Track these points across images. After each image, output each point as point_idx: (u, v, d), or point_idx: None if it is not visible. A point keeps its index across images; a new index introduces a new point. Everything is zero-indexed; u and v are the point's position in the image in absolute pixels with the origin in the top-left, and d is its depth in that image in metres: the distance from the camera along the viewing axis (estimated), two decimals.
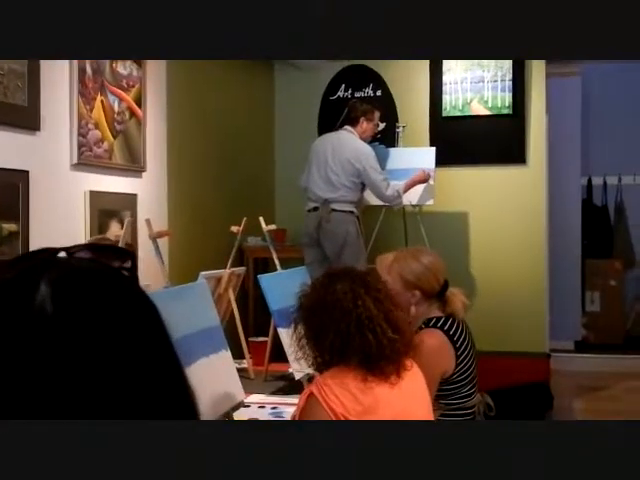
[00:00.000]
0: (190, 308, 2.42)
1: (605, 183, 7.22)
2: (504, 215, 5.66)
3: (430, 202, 5.21)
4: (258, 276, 3.04)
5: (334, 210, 4.73)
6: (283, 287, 3.10)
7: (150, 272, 3.96)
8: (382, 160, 5.25)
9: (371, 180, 4.75)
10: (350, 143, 4.82)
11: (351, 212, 4.78)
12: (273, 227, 3.37)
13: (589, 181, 7.22)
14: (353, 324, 1.97)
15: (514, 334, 5.52)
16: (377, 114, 5.00)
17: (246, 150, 5.61)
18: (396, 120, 5.74)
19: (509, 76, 5.60)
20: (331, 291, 2.04)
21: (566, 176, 6.52)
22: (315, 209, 4.82)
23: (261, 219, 3.33)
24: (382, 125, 5.74)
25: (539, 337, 5.61)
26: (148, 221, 2.46)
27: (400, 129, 5.55)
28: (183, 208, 4.66)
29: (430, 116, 5.73)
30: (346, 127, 4.93)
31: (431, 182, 5.20)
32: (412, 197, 5.17)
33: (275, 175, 6.12)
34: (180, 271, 4.34)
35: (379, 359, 1.97)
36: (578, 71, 6.70)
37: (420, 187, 5.17)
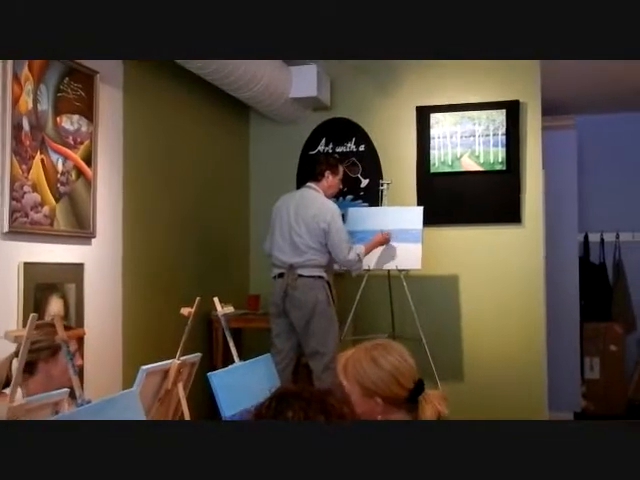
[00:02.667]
0: None
1: (602, 240, 6.70)
2: (498, 278, 5.17)
3: (417, 267, 4.68)
4: (208, 374, 2.46)
5: (301, 276, 4.27)
6: (240, 385, 2.56)
7: (105, 359, 3.44)
8: (365, 220, 4.84)
9: (334, 241, 4.32)
10: (314, 201, 4.40)
11: (320, 277, 4.32)
12: (230, 309, 2.85)
13: (585, 238, 6.70)
14: None
15: (510, 408, 4.97)
16: (342, 168, 4.63)
17: (217, 209, 5.15)
18: (380, 177, 5.32)
19: (502, 130, 5.13)
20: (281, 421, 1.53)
21: (562, 233, 6.03)
22: (281, 275, 4.34)
23: (216, 300, 2.80)
24: (365, 182, 5.39)
25: (537, 411, 5.04)
26: (58, 318, 1.89)
27: (385, 186, 5.09)
28: (142, 278, 4.11)
29: (417, 172, 5.30)
30: (309, 184, 4.51)
31: (418, 245, 4.70)
32: (398, 261, 4.72)
33: (250, 235, 5.65)
34: (137, 355, 3.83)
35: None
36: (572, 123, 6.23)
37: (407, 249, 4.72)
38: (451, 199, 5.23)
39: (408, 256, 4.69)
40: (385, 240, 4.67)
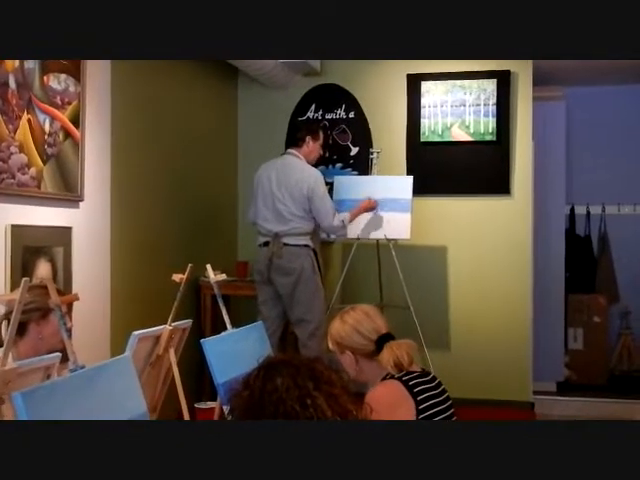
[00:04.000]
0: (104, 400, 1.81)
1: (588, 212, 6.70)
2: (486, 250, 5.18)
3: (406, 236, 4.69)
4: (201, 341, 2.43)
5: (286, 244, 4.26)
6: (233, 352, 2.53)
7: (93, 323, 3.49)
8: (354, 188, 4.82)
9: (316, 207, 4.31)
10: (296, 167, 4.37)
11: (306, 245, 4.31)
12: (222, 277, 2.78)
13: (572, 210, 6.69)
14: None
15: (495, 377, 5.02)
16: (322, 133, 4.61)
17: (206, 174, 5.09)
18: (370, 145, 5.28)
19: (493, 100, 5.09)
20: (270, 388, 1.51)
21: (549, 205, 5.97)
22: (266, 244, 4.34)
23: (208, 267, 2.75)
24: (355, 150, 5.36)
25: (522, 381, 5.09)
26: (50, 281, 1.84)
27: (374, 155, 5.03)
28: (130, 243, 4.06)
29: (407, 141, 5.27)
30: (289, 150, 4.48)
31: (407, 215, 4.69)
32: (387, 230, 4.72)
33: (238, 201, 5.59)
34: (125, 320, 3.82)
35: None
36: (562, 95, 6.19)
37: (396, 219, 4.71)
38: (441, 169, 5.21)
39: (397, 226, 4.69)
40: (371, 206, 4.65)
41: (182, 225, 4.68)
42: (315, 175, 4.32)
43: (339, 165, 5.39)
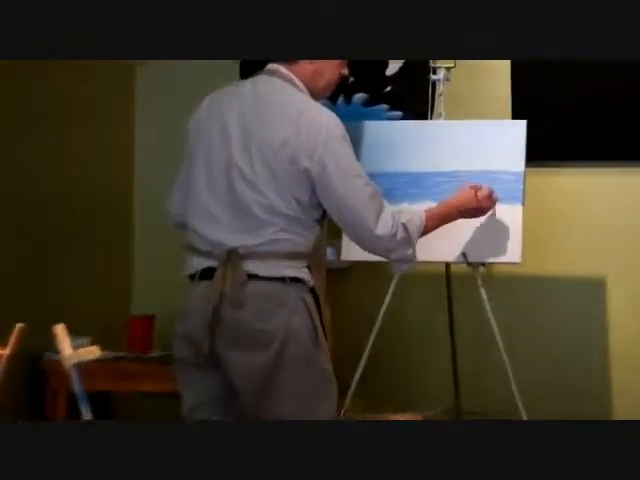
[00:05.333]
0: None
1: None
2: None
3: (512, 258, 4.30)
4: None
5: (254, 277, 3.63)
6: None
7: None
8: (397, 150, 4.61)
9: (339, 196, 3.69)
10: (284, 106, 3.80)
11: (297, 280, 3.69)
12: (92, 352, 2.81)
13: None
14: None
15: None
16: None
17: (63, 139, 5.13)
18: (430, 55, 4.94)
19: None
20: None
21: None
22: (207, 275, 3.69)
23: (59, 330, 2.76)
24: (395, 66, 5.36)
25: None
26: None
27: (440, 76, 4.75)
28: None
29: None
30: (270, 67, 3.92)
31: (515, 207, 4.28)
32: (471, 243, 4.34)
33: (133, 185, 5.68)
34: None
35: None
36: None
37: (490, 217, 4.16)
38: (587, 107, 5.05)
39: (493, 232, 4.28)
40: (487, 203, 4.02)
41: (12, 246, 4.74)
42: (328, 124, 3.72)
43: (361, 96, 5.31)
